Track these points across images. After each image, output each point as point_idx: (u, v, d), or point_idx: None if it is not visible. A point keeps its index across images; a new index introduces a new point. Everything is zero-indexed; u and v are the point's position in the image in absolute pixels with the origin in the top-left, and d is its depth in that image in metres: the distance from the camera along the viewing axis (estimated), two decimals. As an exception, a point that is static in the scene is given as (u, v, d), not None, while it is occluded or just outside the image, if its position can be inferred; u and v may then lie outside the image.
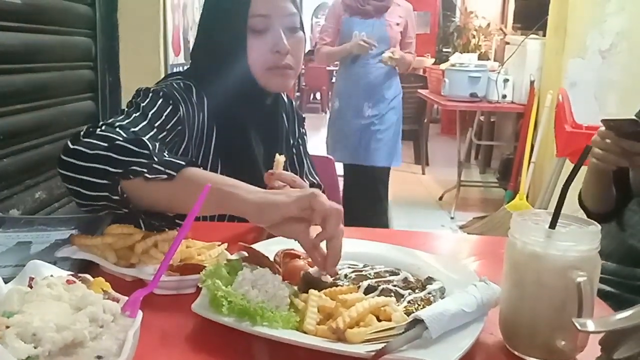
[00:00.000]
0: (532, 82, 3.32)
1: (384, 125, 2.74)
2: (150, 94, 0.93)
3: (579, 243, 0.56)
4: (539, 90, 3.31)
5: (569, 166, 2.73)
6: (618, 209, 1.19)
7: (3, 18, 1.09)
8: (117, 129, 0.80)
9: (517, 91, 3.50)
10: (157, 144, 0.83)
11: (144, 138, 0.79)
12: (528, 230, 0.58)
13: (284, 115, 1.15)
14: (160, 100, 0.93)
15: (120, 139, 0.77)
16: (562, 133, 2.66)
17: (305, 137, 1.22)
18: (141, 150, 0.77)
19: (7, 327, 0.44)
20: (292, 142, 1.18)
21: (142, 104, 0.91)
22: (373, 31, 2.67)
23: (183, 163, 0.77)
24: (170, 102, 0.94)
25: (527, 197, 3.25)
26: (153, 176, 0.75)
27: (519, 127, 3.83)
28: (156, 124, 0.90)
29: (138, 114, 0.89)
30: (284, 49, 1.00)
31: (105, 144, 0.76)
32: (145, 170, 0.75)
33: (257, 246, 0.72)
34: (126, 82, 1.49)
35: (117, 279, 0.66)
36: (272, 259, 0.69)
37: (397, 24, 2.74)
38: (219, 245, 0.74)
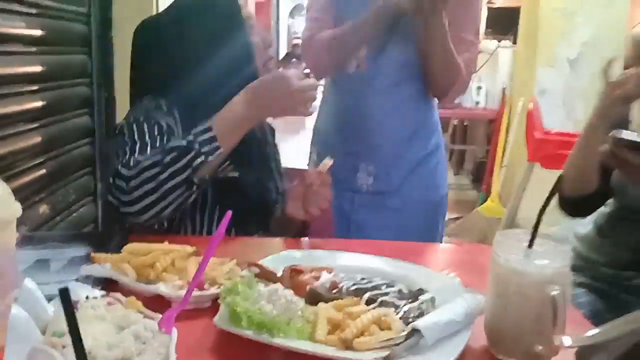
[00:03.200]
0: (504, 90, 3.46)
1: (402, 199, 1.39)
2: (135, 125, 1.00)
3: (553, 261, 0.65)
4: (510, 97, 3.45)
5: (538, 170, 2.86)
6: (595, 203, 1.25)
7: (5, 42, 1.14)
8: (146, 157, 0.93)
9: (490, 98, 3.64)
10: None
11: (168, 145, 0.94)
12: (509, 249, 0.67)
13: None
14: (147, 127, 1.00)
15: (160, 157, 0.91)
16: (532, 139, 2.80)
17: (277, 147, 1.29)
18: (182, 150, 0.93)
19: (64, 346, 0.50)
20: (267, 149, 1.24)
21: (135, 137, 0.98)
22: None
23: (209, 129, 0.95)
24: (153, 122, 1.02)
25: (499, 198, 3.39)
26: (210, 157, 0.94)
27: (491, 132, 3.97)
28: (166, 137, 0.99)
29: (138, 145, 0.97)
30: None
31: (154, 171, 0.91)
32: (201, 158, 0.93)
33: (264, 263, 0.79)
34: (120, 96, 1.53)
35: (136, 295, 0.72)
36: (279, 275, 0.77)
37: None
38: (229, 261, 0.80)
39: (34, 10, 1.25)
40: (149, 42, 1.12)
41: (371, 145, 1.35)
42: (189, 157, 0.93)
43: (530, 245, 0.66)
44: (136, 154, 0.94)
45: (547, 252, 0.67)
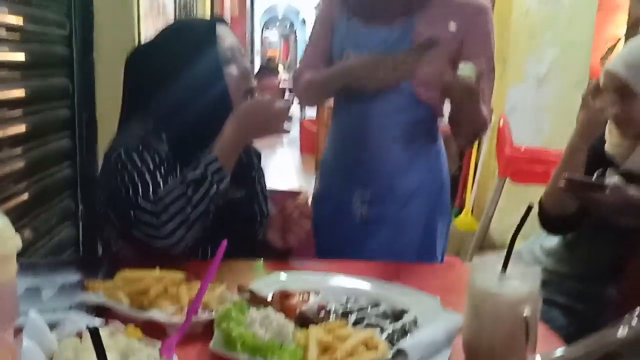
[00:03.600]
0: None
1: (398, 226, 1.33)
2: (135, 154, 1.02)
3: (524, 283, 0.70)
4: (482, 113, 3.56)
5: (509, 185, 2.96)
6: (576, 222, 1.29)
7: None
8: (168, 191, 0.98)
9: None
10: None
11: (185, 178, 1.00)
12: (485, 273, 0.72)
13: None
14: (147, 154, 1.03)
15: (183, 189, 0.98)
16: (503, 155, 2.89)
17: (262, 171, 1.31)
18: (199, 181, 0.99)
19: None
20: (253, 173, 1.26)
21: (140, 165, 1.01)
22: (385, 50, 1.27)
23: (216, 159, 1.01)
24: (151, 149, 1.04)
25: (472, 212, 3.47)
26: (222, 185, 1.01)
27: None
28: (164, 166, 1.03)
29: (148, 175, 1.00)
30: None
31: (181, 204, 0.98)
32: (215, 187, 1.00)
33: (254, 288, 0.83)
34: (102, 118, 1.55)
35: (130, 322, 0.74)
36: (269, 299, 0.80)
37: (443, 43, 1.25)
38: (219, 286, 0.83)
39: (17, 36, 1.27)
40: (137, 68, 1.15)
41: (367, 171, 1.31)
42: (205, 187, 1.00)
43: (504, 270, 0.71)
44: (150, 187, 0.98)
45: (519, 275, 0.72)
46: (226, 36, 1.13)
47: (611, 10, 3.61)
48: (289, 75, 15.85)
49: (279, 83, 10.61)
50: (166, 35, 1.15)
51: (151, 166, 1.01)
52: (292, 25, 26.58)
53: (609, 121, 1.31)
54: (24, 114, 1.29)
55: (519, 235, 0.75)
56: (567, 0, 3.21)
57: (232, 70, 1.12)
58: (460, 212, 3.49)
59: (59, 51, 1.48)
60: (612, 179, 1.22)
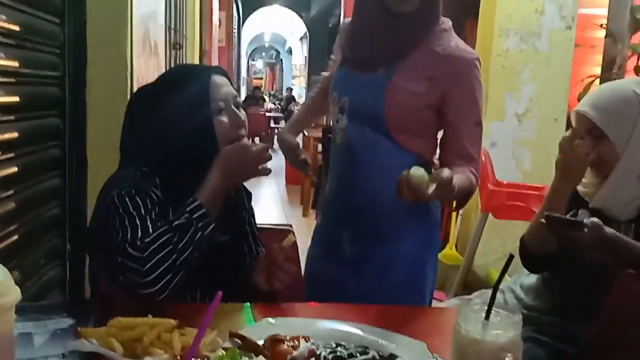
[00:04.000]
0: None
1: (387, 266, 1.33)
2: (127, 199, 1.04)
3: (506, 331, 0.73)
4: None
5: (492, 220, 3.01)
6: (557, 259, 1.33)
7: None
8: (154, 237, 0.99)
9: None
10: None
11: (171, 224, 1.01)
12: (469, 320, 0.75)
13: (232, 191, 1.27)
14: (139, 198, 1.05)
15: (169, 235, 0.98)
16: (485, 190, 2.95)
17: (252, 211, 1.34)
18: (184, 228, 1.01)
19: None
20: (243, 214, 1.29)
21: (131, 210, 1.03)
22: (360, 102, 1.30)
23: (201, 205, 1.03)
24: (143, 194, 1.06)
25: (456, 246, 3.52)
26: (207, 231, 1.03)
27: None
28: (155, 210, 1.05)
29: (138, 220, 1.02)
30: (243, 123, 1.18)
31: (167, 250, 0.99)
32: (200, 233, 1.01)
33: (245, 333, 0.84)
34: (92, 158, 1.57)
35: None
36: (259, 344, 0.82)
37: (419, 94, 1.25)
38: (210, 332, 0.85)
39: (12, 79, 1.30)
40: (134, 110, 1.18)
41: (356, 211, 1.32)
42: (190, 233, 1.01)
43: (487, 318, 0.75)
44: (139, 232, 0.99)
45: (501, 323, 0.75)
46: (221, 86, 1.16)
47: (587, 49, 3.75)
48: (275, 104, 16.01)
49: (265, 112, 10.72)
50: (164, 81, 1.19)
51: (142, 211, 1.03)
52: (278, 54, 26.93)
53: None
54: (16, 156, 1.30)
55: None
56: (545, 39, 3.33)
57: (223, 119, 1.14)
58: (444, 245, 3.53)
59: (51, 92, 1.50)
60: (589, 218, 1.27)
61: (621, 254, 1.22)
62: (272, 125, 11.32)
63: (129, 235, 0.99)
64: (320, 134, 5.72)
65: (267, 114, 10.71)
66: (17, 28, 1.28)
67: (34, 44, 1.38)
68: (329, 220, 1.41)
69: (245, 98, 12.57)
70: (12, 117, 1.28)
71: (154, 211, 1.05)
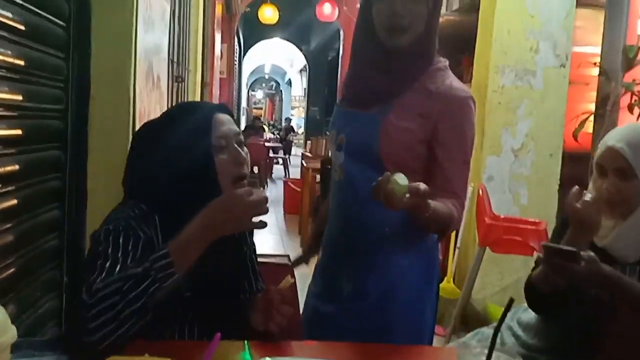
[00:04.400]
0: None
1: (385, 305, 1.32)
2: (110, 238, 1.03)
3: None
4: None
5: (489, 254, 3.01)
6: (564, 299, 1.31)
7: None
8: (106, 283, 0.95)
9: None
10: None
11: (130, 271, 0.98)
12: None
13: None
14: (122, 239, 1.04)
15: (120, 284, 0.93)
16: (482, 224, 2.96)
17: (254, 246, 1.34)
18: (139, 278, 0.96)
19: None
20: (245, 249, 1.29)
21: (108, 251, 1.02)
22: (355, 138, 1.33)
23: (166, 255, 0.99)
24: (130, 233, 1.05)
25: (454, 279, 3.50)
26: (166, 283, 0.97)
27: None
28: (129, 261, 1.02)
29: (109, 263, 1.00)
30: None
31: (113, 300, 0.94)
32: (157, 284, 0.96)
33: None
34: (92, 190, 1.58)
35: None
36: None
37: (411, 130, 1.28)
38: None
39: (15, 113, 1.32)
40: (137, 146, 1.19)
41: (355, 250, 1.32)
42: (145, 284, 0.96)
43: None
44: (102, 275, 0.98)
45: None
46: (223, 123, 1.17)
47: (581, 86, 3.82)
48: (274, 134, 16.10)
49: (264, 142, 10.79)
50: (167, 117, 1.20)
51: (119, 253, 1.01)
52: (277, 85, 27.23)
53: None
54: (16, 188, 1.31)
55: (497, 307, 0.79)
56: (540, 77, 3.39)
57: (224, 157, 1.15)
58: (442, 279, 3.52)
59: (54, 124, 1.52)
60: (587, 252, 1.26)
61: (618, 291, 1.21)
62: (271, 154, 11.37)
63: (92, 277, 0.98)
64: (318, 165, 5.76)
65: (266, 144, 10.76)
66: (22, 62, 1.31)
67: (38, 77, 1.41)
68: (330, 256, 1.41)
69: (245, 128, 12.65)
70: (13, 150, 1.29)
71: (136, 253, 1.03)
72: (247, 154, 1.19)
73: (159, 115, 1.24)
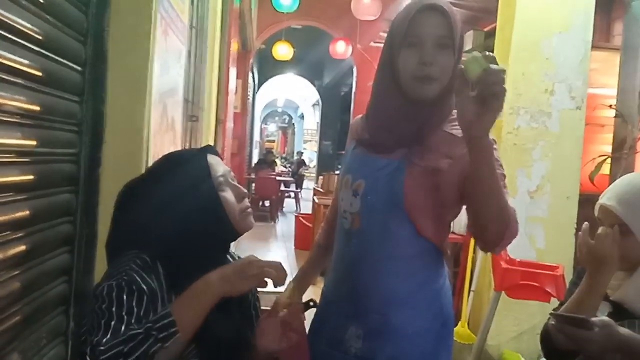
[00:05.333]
0: (469, 216, 3.62)
1: None
2: (113, 294, 1.02)
3: None
4: (476, 223, 3.61)
5: (505, 298, 2.93)
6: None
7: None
8: (109, 345, 0.94)
9: (457, 223, 3.77)
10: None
11: (132, 331, 0.96)
12: None
13: None
14: (126, 296, 1.02)
15: (122, 347, 0.92)
16: (498, 269, 2.89)
17: (258, 294, 1.34)
18: (141, 339, 0.95)
19: None
20: (249, 298, 1.30)
21: (112, 309, 1.00)
22: (377, 185, 1.29)
23: (168, 315, 0.97)
24: (134, 288, 1.04)
25: (468, 324, 3.41)
26: (168, 343, 0.96)
27: (458, 252, 4.08)
28: (133, 319, 1.01)
29: (113, 322, 0.99)
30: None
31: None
32: (159, 344, 0.94)
33: None
34: (102, 235, 1.55)
35: None
36: None
37: (439, 171, 1.24)
38: None
39: (27, 159, 1.31)
40: (132, 200, 1.19)
41: (363, 305, 1.26)
42: (147, 344, 0.96)
43: None
44: (108, 335, 0.96)
45: None
46: (217, 164, 1.20)
47: (597, 127, 3.78)
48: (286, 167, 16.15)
49: (276, 176, 10.81)
50: (160, 168, 1.21)
51: (123, 310, 0.99)
52: (290, 119, 27.48)
53: None
54: (26, 234, 1.29)
55: None
56: (556, 119, 3.37)
57: (227, 195, 1.18)
58: (456, 323, 3.43)
59: (66, 168, 1.51)
60: (602, 315, 1.23)
61: (635, 354, 1.17)
62: (283, 188, 11.38)
63: (96, 339, 0.96)
64: (330, 202, 5.73)
65: (278, 178, 10.78)
66: (37, 108, 1.31)
67: (51, 122, 1.40)
68: (332, 310, 1.35)
69: (257, 161, 12.71)
70: (24, 196, 1.28)
71: (140, 309, 1.02)
72: (243, 188, 1.23)
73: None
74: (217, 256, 1.22)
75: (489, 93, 0.98)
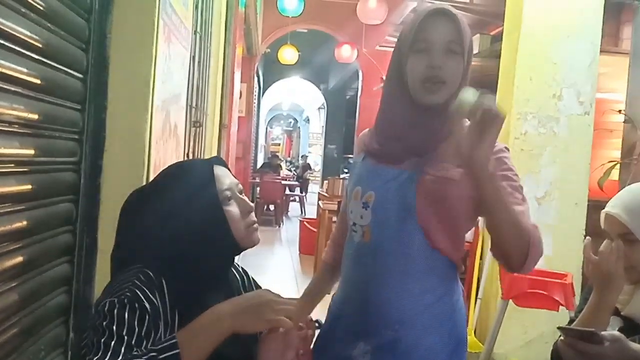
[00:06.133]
0: (477, 223, 3.57)
1: None
2: (115, 312, 0.98)
3: None
4: (482, 230, 3.56)
5: (512, 307, 2.89)
6: None
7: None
8: None
9: (463, 229, 3.74)
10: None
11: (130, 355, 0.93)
12: None
13: (243, 290, 1.29)
14: (127, 314, 0.98)
15: None
16: (506, 277, 2.85)
17: None
18: None
19: None
20: None
21: (113, 328, 0.96)
22: (388, 196, 1.25)
23: (174, 346, 0.93)
24: (136, 306, 1.00)
25: (475, 332, 3.37)
26: None
27: (464, 259, 4.04)
28: (134, 340, 0.97)
29: (114, 341, 0.95)
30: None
31: None
32: None
33: None
34: (103, 245, 1.54)
35: None
36: None
37: (453, 181, 1.21)
38: None
39: (26, 168, 1.29)
40: (135, 213, 1.16)
41: (373, 321, 1.22)
42: None
43: None
44: (108, 355, 0.93)
45: None
46: (224, 176, 1.16)
47: (605, 132, 3.74)
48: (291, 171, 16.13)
49: (281, 180, 10.79)
50: (164, 180, 1.18)
51: (124, 330, 0.96)
52: (295, 122, 27.49)
53: None
54: (26, 244, 1.27)
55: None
56: (564, 124, 3.33)
57: (232, 209, 1.14)
58: (462, 331, 3.39)
59: (66, 177, 1.49)
60: (612, 329, 1.20)
61: None
62: (288, 192, 11.36)
63: (96, 358, 0.93)
64: (335, 206, 5.69)
65: (283, 182, 10.76)
66: (35, 117, 1.29)
67: (52, 131, 1.38)
68: (340, 326, 1.30)
69: (262, 165, 12.70)
70: (23, 206, 1.26)
71: (142, 328, 0.98)
72: (252, 206, 1.20)
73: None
74: (220, 271, 1.19)
75: (484, 117, 1.00)
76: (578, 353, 1.15)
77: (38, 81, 1.27)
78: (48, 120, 1.34)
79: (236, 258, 1.27)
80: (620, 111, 3.48)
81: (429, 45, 1.21)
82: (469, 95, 1.02)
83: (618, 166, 3.44)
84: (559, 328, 1.20)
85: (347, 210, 1.33)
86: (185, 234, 1.10)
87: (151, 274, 1.07)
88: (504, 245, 1.11)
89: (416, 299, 1.20)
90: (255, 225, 1.19)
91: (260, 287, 1.31)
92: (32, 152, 1.29)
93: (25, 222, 1.27)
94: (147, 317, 0.99)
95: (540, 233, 1.14)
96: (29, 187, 1.29)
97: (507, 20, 3.44)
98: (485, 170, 1.04)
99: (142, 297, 1.01)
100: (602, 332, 1.13)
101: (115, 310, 0.97)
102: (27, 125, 1.25)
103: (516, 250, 1.11)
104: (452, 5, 1.31)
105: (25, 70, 1.20)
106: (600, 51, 3.32)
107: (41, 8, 1.23)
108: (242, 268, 1.36)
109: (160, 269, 1.08)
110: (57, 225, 1.45)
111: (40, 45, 1.25)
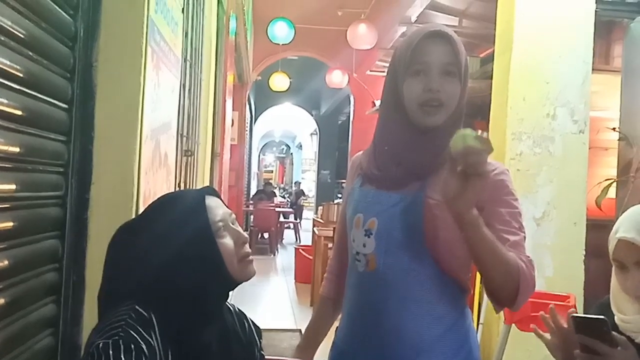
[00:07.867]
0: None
1: None
2: (110, 352, 0.92)
3: None
4: (482, 252, 3.51)
5: (515, 331, 2.81)
6: None
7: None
8: None
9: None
10: None
11: None
12: None
13: (240, 328, 1.22)
14: (123, 356, 0.93)
15: None
16: (508, 301, 2.78)
17: (262, 351, 1.25)
18: None
19: None
20: (256, 354, 1.22)
21: None
22: (392, 222, 1.23)
23: None
24: (132, 347, 0.95)
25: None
26: None
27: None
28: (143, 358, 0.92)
29: None
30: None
31: None
32: None
33: None
34: (91, 281, 1.46)
35: None
36: None
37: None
38: None
39: (7, 205, 1.22)
40: (124, 247, 1.10)
41: (381, 350, 1.18)
42: None
43: None
44: None
45: None
46: (217, 207, 1.11)
47: (601, 150, 3.72)
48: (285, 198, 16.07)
49: (275, 207, 10.72)
50: (154, 213, 1.13)
51: None
52: (288, 148, 27.54)
53: (618, 296, 1.29)
54: (7, 286, 1.20)
55: None
56: (559, 143, 3.30)
57: (226, 241, 1.10)
58: (465, 357, 3.31)
59: (51, 212, 1.43)
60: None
61: None
62: (282, 219, 11.28)
63: None
64: (330, 233, 5.62)
65: (277, 209, 10.68)
66: (18, 150, 1.23)
67: (35, 164, 1.32)
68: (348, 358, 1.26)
69: (256, 192, 12.63)
70: (4, 245, 1.19)
71: None
72: (245, 233, 1.15)
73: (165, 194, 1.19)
74: (214, 308, 1.13)
75: (469, 171, 0.98)
76: (587, 346, 1.14)
77: (19, 112, 1.21)
78: (31, 153, 1.29)
79: (230, 293, 1.22)
80: (614, 129, 3.47)
81: (426, 67, 1.20)
82: (465, 137, 0.98)
83: (615, 184, 3.41)
84: (570, 315, 1.19)
85: (347, 239, 1.30)
86: (177, 269, 1.05)
87: (142, 311, 1.01)
88: (492, 283, 1.11)
89: (429, 327, 1.17)
90: (250, 257, 1.14)
91: (260, 330, 1.26)
92: (13, 187, 1.23)
93: (6, 262, 1.20)
94: (143, 358, 0.94)
95: (532, 266, 1.14)
96: (10, 224, 1.22)
97: (498, 41, 3.45)
98: (466, 218, 1.03)
99: (137, 337, 0.96)
100: (616, 335, 1.14)
101: (110, 351, 0.92)
102: (7, 159, 1.19)
103: (505, 288, 1.10)
104: None
105: (5, 101, 1.15)
106: (592, 70, 3.32)
107: (22, 36, 1.19)
108: (238, 309, 1.29)
109: (151, 305, 1.03)
110: (42, 264, 1.38)
111: (22, 75, 1.20)
